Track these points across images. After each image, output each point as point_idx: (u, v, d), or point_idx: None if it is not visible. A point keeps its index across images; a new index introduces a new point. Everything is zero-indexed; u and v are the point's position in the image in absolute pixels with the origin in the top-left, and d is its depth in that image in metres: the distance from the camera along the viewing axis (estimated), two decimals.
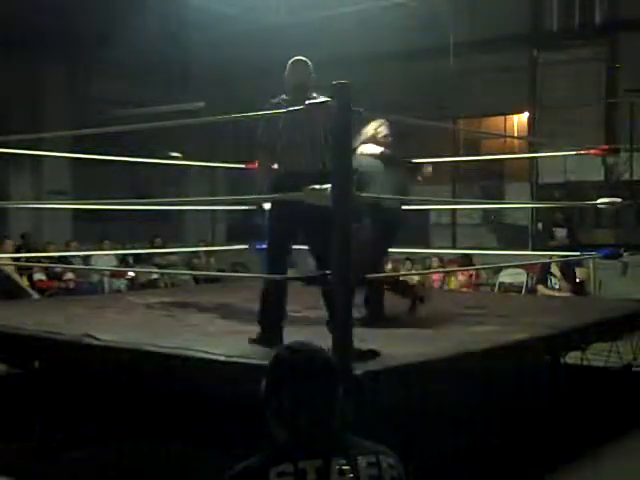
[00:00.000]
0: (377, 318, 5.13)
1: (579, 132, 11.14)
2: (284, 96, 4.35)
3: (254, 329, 4.77)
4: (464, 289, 10.86)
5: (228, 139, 13.98)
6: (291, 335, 4.12)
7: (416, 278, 5.48)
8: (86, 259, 11.76)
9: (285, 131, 4.23)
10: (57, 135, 11.87)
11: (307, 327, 4.87)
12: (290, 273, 4.69)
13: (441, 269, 11.17)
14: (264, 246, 4.79)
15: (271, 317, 4.25)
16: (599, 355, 6.38)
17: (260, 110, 4.26)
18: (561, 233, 10.82)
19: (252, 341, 4.18)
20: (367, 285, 4.89)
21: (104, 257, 11.61)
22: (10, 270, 9.66)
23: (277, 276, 4.26)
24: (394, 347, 3.97)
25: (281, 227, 4.31)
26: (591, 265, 9.82)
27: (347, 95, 3.43)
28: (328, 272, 3.46)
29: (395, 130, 5.34)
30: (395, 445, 1.90)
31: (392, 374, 3.55)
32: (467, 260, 10.81)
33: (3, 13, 11.42)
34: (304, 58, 4.45)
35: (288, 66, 4.43)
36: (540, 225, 12.27)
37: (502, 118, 13.34)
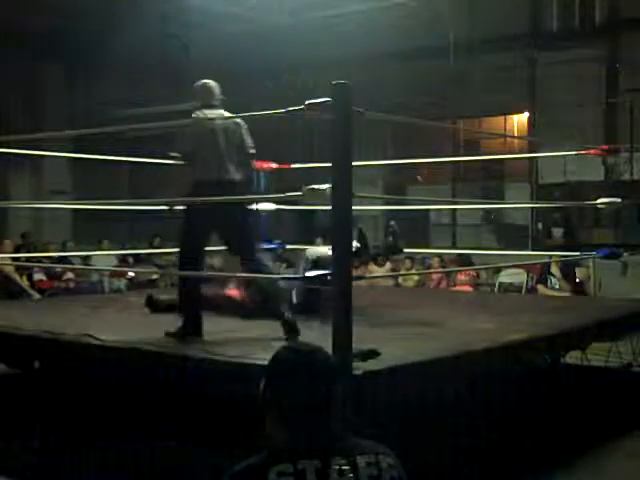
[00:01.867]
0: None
1: (579, 132, 11.14)
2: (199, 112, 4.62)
3: (254, 329, 4.78)
4: (467, 288, 10.85)
5: None
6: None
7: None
8: (86, 259, 11.76)
9: (201, 141, 4.49)
10: (57, 135, 11.88)
11: (307, 327, 4.88)
12: (289, 273, 4.73)
13: (441, 269, 11.16)
14: (266, 246, 4.90)
15: (190, 314, 4.53)
16: (599, 355, 6.38)
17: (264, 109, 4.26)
18: (558, 233, 10.84)
19: (170, 335, 4.41)
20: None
21: (104, 257, 11.61)
22: (10, 270, 9.67)
23: (277, 276, 4.26)
24: (394, 347, 3.97)
25: (196, 230, 4.56)
26: (591, 265, 9.82)
27: (347, 95, 3.43)
28: (328, 272, 3.47)
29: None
30: (395, 445, 1.90)
31: (392, 374, 3.55)
32: (467, 260, 10.80)
33: (3, 13, 11.43)
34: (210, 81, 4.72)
35: (211, 85, 4.69)
36: (540, 225, 12.28)
37: (502, 118, 13.35)
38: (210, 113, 4.55)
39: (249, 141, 4.62)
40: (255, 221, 4.90)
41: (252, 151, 4.64)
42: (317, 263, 5.19)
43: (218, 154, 4.48)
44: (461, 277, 11.16)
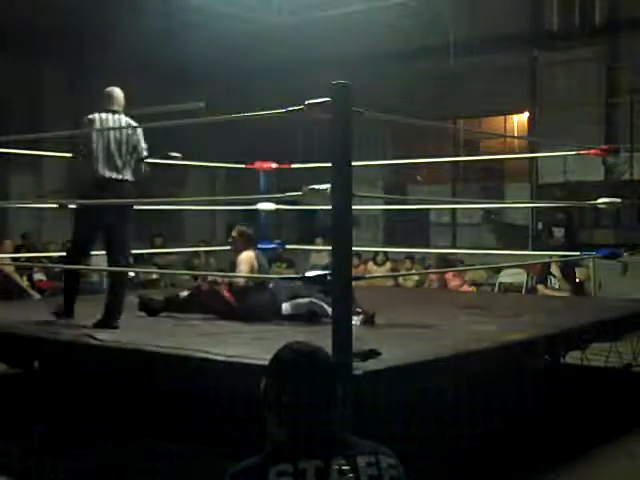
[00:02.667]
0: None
1: (579, 132, 11.13)
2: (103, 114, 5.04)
3: (254, 329, 4.79)
4: (466, 288, 10.84)
5: (228, 139, 13.98)
6: (290, 335, 4.13)
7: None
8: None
9: (98, 140, 4.89)
10: (57, 135, 11.86)
11: (307, 327, 4.88)
12: (289, 273, 4.74)
13: (441, 270, 11.15)
14: (268, 245, 4.97)
15: (68, 299, 5.14)
16: (599, 355, 6.39)
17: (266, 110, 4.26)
18: (559, 233, 10.83)
19: (54, 314, 5.03)
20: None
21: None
22: (10, 270, 9.66)
23: (277, 276, 4.27)
24: (394, 347, 3.97)
25: (86, 228, 5.05)
26: (591, 265, 9.82)
27: (347, 95, 3.43)
28: (328, 272, 3.47)
29: None
30: (395, 445, 1.90)
31: (392, 374, 3.55)
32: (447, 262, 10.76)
33: (3, 13, 11.42)
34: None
35: (113, 92, 5.18)
36: (540, 225, 12.27)
37: (502, 118, 13.34)
38: (106, 117, 4.97)
39: (143, 145, 5.01)
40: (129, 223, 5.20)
41: (144, 154, 5.02)
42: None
43: (108, 154, 4.87)
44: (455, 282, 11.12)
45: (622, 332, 5.98)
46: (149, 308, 5.53)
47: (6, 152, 7.17)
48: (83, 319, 5.24)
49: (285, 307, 5.28)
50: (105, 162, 4.86)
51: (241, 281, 5.41)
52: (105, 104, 5.07)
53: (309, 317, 5.11)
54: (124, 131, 4.92)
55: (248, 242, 5.66)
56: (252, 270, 5.45)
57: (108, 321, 4.86)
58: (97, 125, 4.93)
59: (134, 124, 5.04)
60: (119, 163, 4.91)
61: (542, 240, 11.47)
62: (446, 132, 13.20)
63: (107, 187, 4.85)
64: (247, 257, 5.53)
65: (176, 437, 4.21)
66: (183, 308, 5.51)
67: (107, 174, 4.86)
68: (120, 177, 4.91)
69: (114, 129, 4.93)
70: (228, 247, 5.94)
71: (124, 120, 5.02)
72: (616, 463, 4.58)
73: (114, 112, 5.04)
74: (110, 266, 5.15)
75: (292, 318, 5.18)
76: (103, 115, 4.99)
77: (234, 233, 5.72)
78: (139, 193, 5.16)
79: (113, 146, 4.89)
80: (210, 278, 5.91)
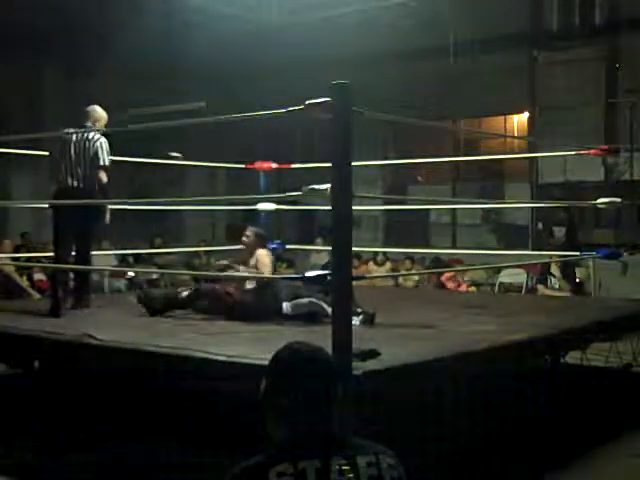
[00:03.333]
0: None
1: (579, 132, 11.13)
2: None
3: (254, 329, 4.79)
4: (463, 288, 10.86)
5: (228, 139, 13.99)
6: (290, 335, 4.13)
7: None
8: None
9: (66, 151, 5.50)
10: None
11: (307, 327, 4.88)
12: (289, 273, 4.74)
13: (441, 269, 11.17)
14: (269, 245, 5.02)
15: (55, 294, 5.57)
16: (599, 355, 6.39)
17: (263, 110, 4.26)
18: (560, 232, 10.82)
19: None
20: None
21: (104, 257, 11.60)
22: (10, 270, 9.66)
23: (277, 276, 4.27)
24: (394, 347, 3.97)
25: (57, 227, 5.63)
26: (591, 265, 9.82)
27: (347, 95, 3.42)
28: (328, 272, 3.47)
29: None
30: (395, 445, 1.90)
31: (392, 374, 3.55)
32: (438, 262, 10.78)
33: (3, 13, 11.42)
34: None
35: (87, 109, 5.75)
36: (540, 225, 12.27)
37: (502, 118, 13.35)
38: (74, 130, 5.55)
39: (102, 156, 5.50)
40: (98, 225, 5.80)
41: (101, 164, 5.50)
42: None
43: (69, 165, 5.49)
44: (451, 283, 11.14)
45: (622, 332, 5.98)
46: (150, 307, 5.53)
47: (6, 152, 7.16)
48: (82, 318, 5.25)
49: (286, 307, 5.28)
50: (63, 172, 5.51)
51: (252, 282, 5.41)
52: (82, 120, 5.71)
53: (309, 317, 5.11)
54: (83, 144, 5.48)
55: (262, 242, 5.69)
56: (271, 269, 5.51)
57: (81, 302, 5.54)
58: (63, 139, 5.56)
59: (97, 137, 5.54)
60: (75, 172, 5.50)
61: (543, 240, 11.48)
62: (446, 132, 13.20)
63: (64, 194, 5.49)
64: (268, 257, 5.58)
65: (176, 437, 4.21)
66: (184, 307, 5.51)
67: (69, 182, 5.51)
68: (74, 185, 5.51)
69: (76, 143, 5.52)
70: (228, 247, 5.95)
71: (90, 135, 5.54)
72: (616, 463, 4.57)
73: (84, 127, 5.64)
74: (76, 258, 5.65)
75: (292, 318, 5.18)
76: (71, 130, 5.58)
77: (248, 233, 5.72)
78: (102, 198, 5.68)
79: (72, 157, 5.50)
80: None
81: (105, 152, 5.52)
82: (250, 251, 5.64)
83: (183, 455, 4.09)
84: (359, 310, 4.86)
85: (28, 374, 5.75)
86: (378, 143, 13.34)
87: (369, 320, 4.96)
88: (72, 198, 5.45)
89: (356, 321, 4.53)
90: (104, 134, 5.61)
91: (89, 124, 5.66)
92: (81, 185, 5.52)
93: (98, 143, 5.52)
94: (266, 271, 5.44)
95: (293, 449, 1.74)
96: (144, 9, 12.27)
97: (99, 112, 5.72)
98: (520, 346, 4.54)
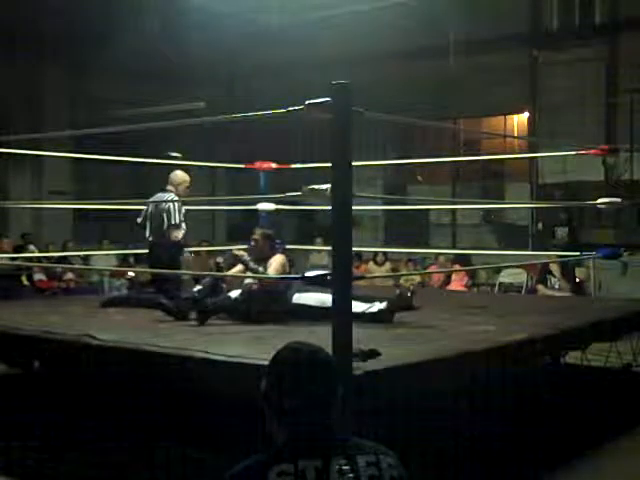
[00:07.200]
0: None
1: (579, 132, 11.13)
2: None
3: (254, 329, 4.79)
4: (462, 289, 10.86)
5: (228, 139, 13.99)
6: (290, 335, 4.12)
7: None
8: (86, 259, 11.76)
9: (145, 214, 6.13)
10: (57, 135, 11.87)
11: (307, 327, 4.88)
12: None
13: (442, 269, 11.17)
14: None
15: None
16: (599, 355, 6.38)
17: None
18: (562, 232, 10.83)
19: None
20: None
21: (104, 257, 11.61)
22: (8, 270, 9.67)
23: (276, 276, 4.27)
24: (394, 347, 3.97)
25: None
26: (591, 265, 9.82)
27: (347, 95, 3.42)
28: (328, 272, 3.47)
29: None
30: (395, 445, 1.90)
31: (392, 374, 3.55)
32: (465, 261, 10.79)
33: (4, 14, 11.42)
34: None
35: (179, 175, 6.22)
36: (540, 225, 12.27)
37: (502, 118, 13.34)
38: (155, 195, 6.15)
39: (173, 215, 5.89)
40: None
41: (171, 222, 5.88)
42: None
43: (150, 222, 6.05)
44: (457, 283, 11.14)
45: (622, 332, 5.98)
46: (202, 312, 5.22)
47: (6, 152, 7.16)
48: (83, 319, 5.25)
49: (297, 296, 5.25)
50: (149, 229, 6.06)
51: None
52: (163, 184, 6.21)
53: (317, 309, 5.03)
54: (159, 205, 6.00)
55: (271, 244, 5.70)
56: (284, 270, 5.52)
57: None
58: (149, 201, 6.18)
59: (170, 199, 5.99)
60: (154, 229, 6.02)
61: (544, 240, 11.49)
62: (446, 132, 13.20)
63: (149, 247, 6.12)
64: (282, 258, 5.61)
65: (176, 437, 4.21)
66: (236, 311, 5.32)
67: (148, 237, 6.09)
68: (150, 240, 6.07)
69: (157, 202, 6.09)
70: (228, 247, 5.95)
71: (165, 196, 6.02)
72: (616, 463, 4.58)
73: (164, 190, 6.11)
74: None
75: (301, 308, 5.14)
76: (157, 194, 6.17)
77: (257, 235, 5.72)
78: (171, 250, 5.97)
79: (151, 216, 6.04)
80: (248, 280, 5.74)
81: (177, 212, 5.92)
82: (260, 250, 5.64)
83: (183, 455, 4.08)
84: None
85: (28, 374, 5.75)
86: (378, 143, 13.34)
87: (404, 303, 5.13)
88: (152, 250, 6.09)
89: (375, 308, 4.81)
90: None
91: (170, 187, 6.11)
92: (152, 239, 6.05)
93: (173, 205, 5.94)
94: (279, 271, 5.43)
95: (293, 449, 1.74)
96: (144, 9, 12.28)
97: (180, 177, 6.17)
98: (520, 346, 4.54)
